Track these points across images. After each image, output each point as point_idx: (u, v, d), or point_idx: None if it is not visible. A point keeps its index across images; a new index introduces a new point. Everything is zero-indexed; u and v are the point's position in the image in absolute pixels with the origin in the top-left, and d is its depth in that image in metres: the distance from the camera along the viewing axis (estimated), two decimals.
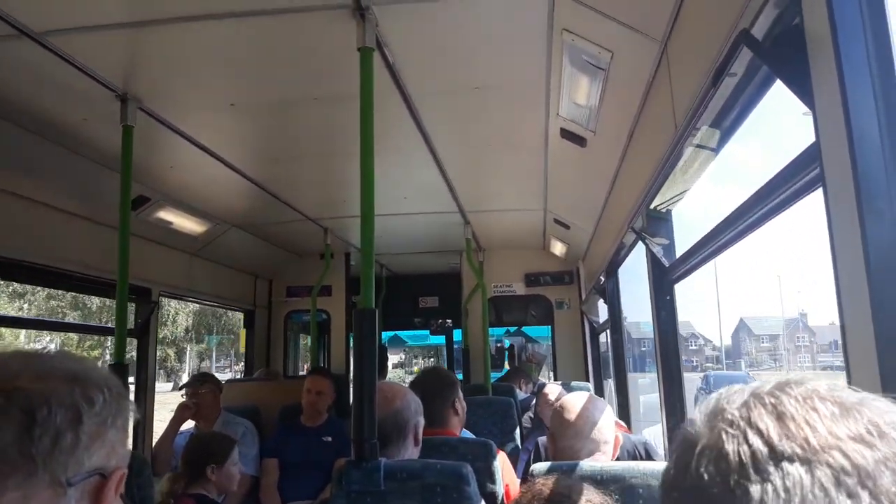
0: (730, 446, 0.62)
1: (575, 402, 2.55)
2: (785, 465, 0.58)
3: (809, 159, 1.33)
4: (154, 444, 4.49)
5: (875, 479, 0.56)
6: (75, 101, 2.94)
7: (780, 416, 0.62)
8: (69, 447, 0.73)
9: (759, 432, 0.61)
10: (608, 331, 4.86)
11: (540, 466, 2.30)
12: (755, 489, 0.58)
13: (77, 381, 0.78)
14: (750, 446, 0.61)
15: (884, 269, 1.06)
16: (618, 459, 2.54)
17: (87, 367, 0.83)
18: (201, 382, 4.65)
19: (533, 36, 2.53)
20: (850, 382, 1.03)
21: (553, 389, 4.52)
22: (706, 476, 0.62)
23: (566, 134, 3.27)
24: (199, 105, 3.11)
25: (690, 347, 69.64)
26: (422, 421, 2.43)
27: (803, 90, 1.24)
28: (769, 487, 0.58)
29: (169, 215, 4.54)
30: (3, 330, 22.27)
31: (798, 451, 0.59)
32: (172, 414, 4.46)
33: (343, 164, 3.95)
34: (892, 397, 0.63)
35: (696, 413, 0.70)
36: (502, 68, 2.81)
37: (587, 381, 6.11)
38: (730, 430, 0.63)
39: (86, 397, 0.78)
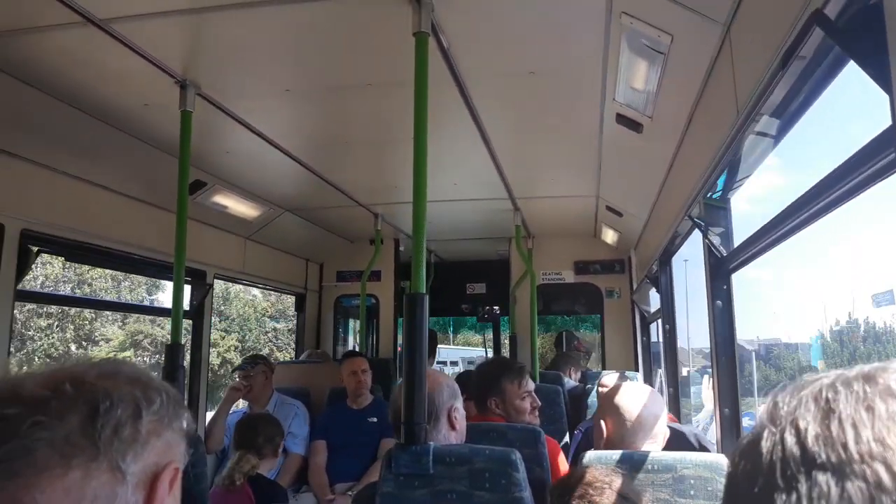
0: (765, 445, 0.56)
1: (640, 396, 2.54)
2: (815, 473, 0.51)
3: (884, 144, 1.28)
4: (207, 423, 4.62)
5: None
6: (137, 87, 3.02)
7: (826, 415, 0.54)
8: (128, 438, 0.79)
9: (797, 432, 0.54)
10: (660, 320, 4.77)
11: (591, 455, 2.29)
12: (779, 497, 0.53)
13: (138, 383, 0.85)
14: (784, 448, 0.54)
15: None
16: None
17: (148, 374, 0.90)
18: (253, 365, 4.76)
19: (590, 20, 2.48)
20: None
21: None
22: (741, 475, 0.58)
23: (622, 119, 3.21)
24: (255, 91, 3.16)
25: None
26: (458, 405, 2.43)
27: (879, 72, 1.19)
28: (793, 497, 0.52)
29: (224, 199, 4.64)
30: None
31: (832, 457, 0.51)
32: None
33: (395, 150, 3.95)
34: None
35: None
36: (558, 53, 2.77)
37: (636, 370, 6.03)
38: (772, 426, 0.57)
39: (146, 397, 0.84)
